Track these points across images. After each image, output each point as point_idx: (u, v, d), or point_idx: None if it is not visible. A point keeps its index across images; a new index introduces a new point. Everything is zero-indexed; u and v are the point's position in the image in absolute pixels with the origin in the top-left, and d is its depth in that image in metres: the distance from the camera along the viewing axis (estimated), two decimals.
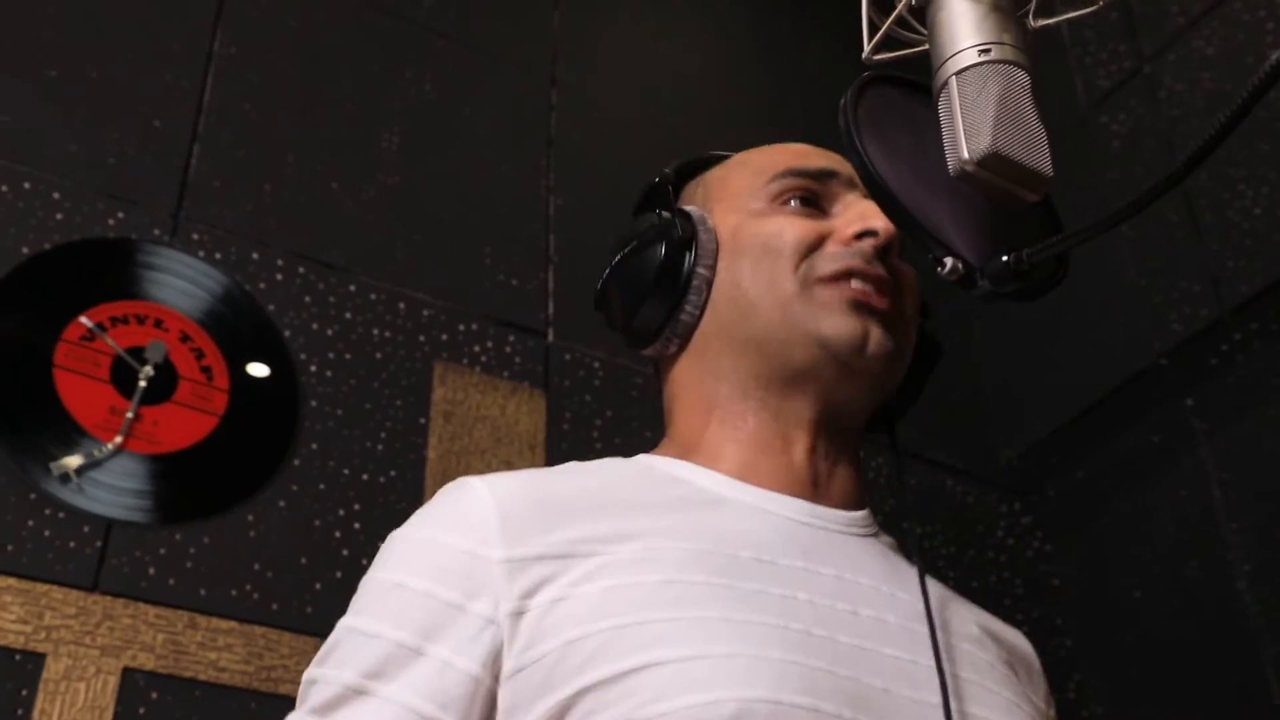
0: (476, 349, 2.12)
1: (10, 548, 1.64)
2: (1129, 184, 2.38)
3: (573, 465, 0.95)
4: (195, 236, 1.97)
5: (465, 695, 0.79)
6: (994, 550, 2.46)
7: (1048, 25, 0.85)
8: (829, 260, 0.92)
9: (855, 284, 0.91)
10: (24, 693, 1.56)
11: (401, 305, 2.09)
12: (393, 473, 1.95)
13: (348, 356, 2.01)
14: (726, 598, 0.80)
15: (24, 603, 1.60)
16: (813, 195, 0.97)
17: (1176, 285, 2.30)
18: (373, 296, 2.07)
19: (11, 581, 1.61)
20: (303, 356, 1.96)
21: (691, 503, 0.89)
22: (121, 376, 1.80)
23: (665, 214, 0.98)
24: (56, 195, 1.89)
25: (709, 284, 0.96)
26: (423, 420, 2.01)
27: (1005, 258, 0.78)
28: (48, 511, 1.68)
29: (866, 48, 0.86)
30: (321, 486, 1.88)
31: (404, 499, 1.93)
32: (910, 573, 0.93)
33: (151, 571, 1.71)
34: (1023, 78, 0.80)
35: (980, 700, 0.85)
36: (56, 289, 1.82)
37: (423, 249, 2.17)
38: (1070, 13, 0.85)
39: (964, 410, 2.59)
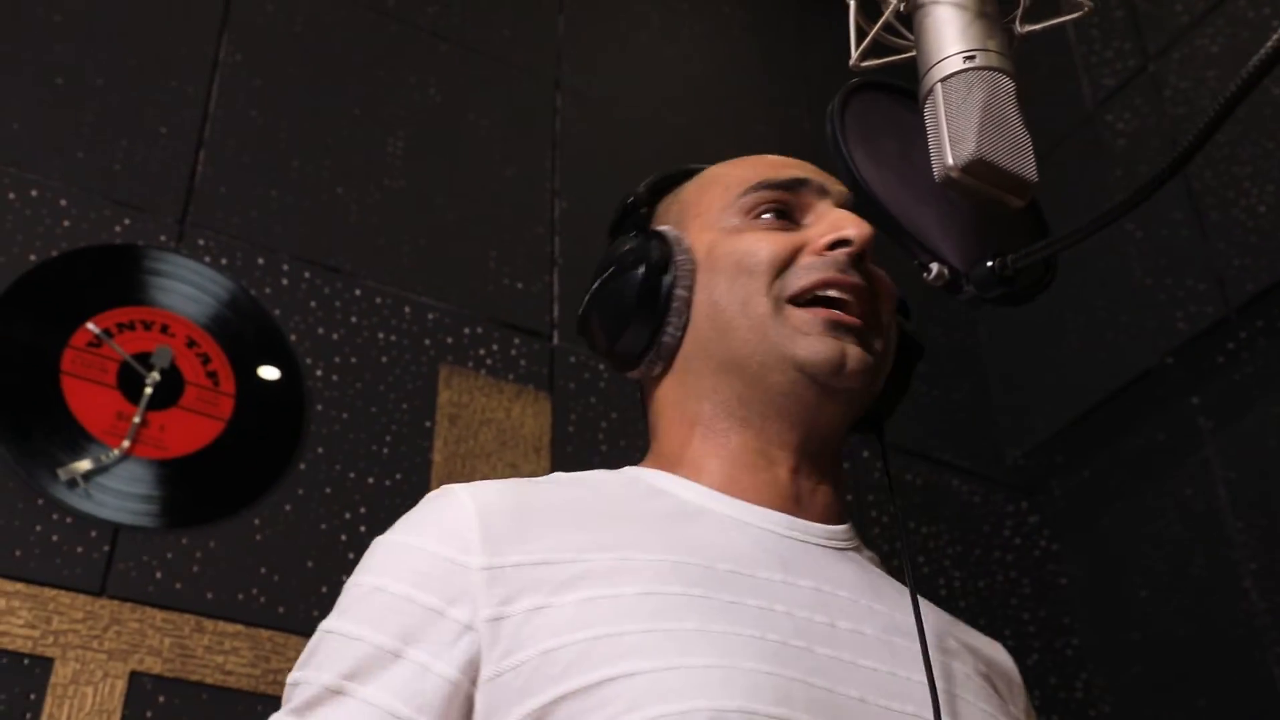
0: (482, 352, 2.13)
1: (18, 553, 1.65)
2: (1134, 182, 2.37)
3: (558, 475, 0.96)
4: (201, 242, 1.98)
5: (442, 699, 0.80)
6: (1000, 550, 2.46)
7: (1034, 31, 0.85)
8: (803, 273, 0.93)
9: (825, 309, 0.91)
10: (32, 697, 1.58)
11: (407, 309, 2.10)
12: (398, 476, 1.96)
13: (353, 360, 2.02)
14: (703, 609, 0.81)
15: (32, 607, 1.62)
16: (785, 207, 0.97)
17: (1182, 284, 2.30)
18: (378, 300, 2.08)
19: (20, 586, 1.63)
20: (308, 361, 1.98)
21: (672, 515, 0.90)
22: (128, 382, 1.82)
23: (641, 236, 0.99)
24: (64, 202, 1.90)
25: (688, 304, 0.96)
26: (428, 423, 2.02)
27: (990, 263, 0.79)
28: (55, 516, 1.69)
29: (854, 54, 0.87)
30: (327, 490, 1.89)
31: (409, 502, 1.90)
32: (891, 585, 0.94)
33: (158, 576, 1.72)
34: (1007, 84, 0.80)
35: (959, 713, 0.85)
36: (64, 296, 1.84)
37: (428, 253, 2.18)
38: (1056, 18, 0.85)
39: (970, 410, 2.59)
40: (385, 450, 1.97)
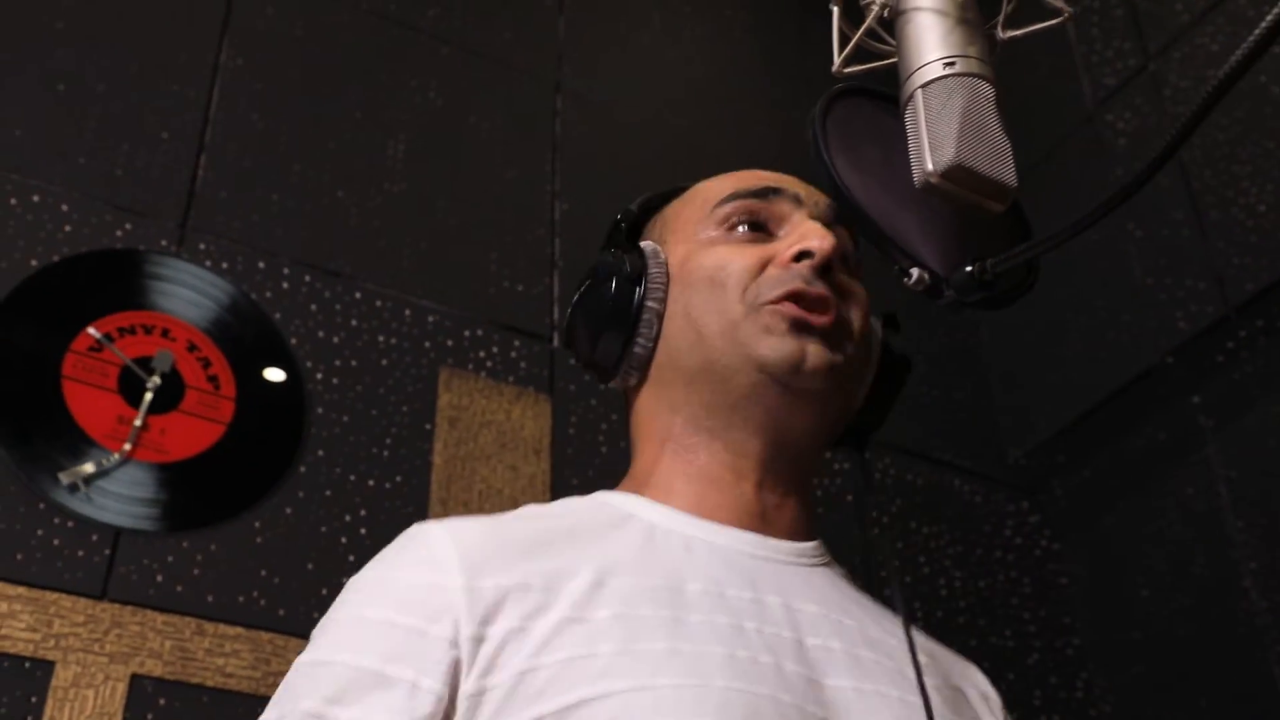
0: (482, 354, 2.13)
1: (19, 556, 1.66)
2: None
3: (530, 508, 0.98)
4: (202, 246, 1.99)
5: (433, 716, 0.80)
6: (1002, 549, 2.46)
7: (1016, 36, 0.86)
8: (771, 285, 0.94)
9: (792, 305, 0.92)
10: (33, 700, 1.59)
11: (407, 312, 2.11)
12: (399, 478, 1.97)
13: (354, 363, 2.02)
14: (674, 630, 0.83)
15: (33, 611, 1.63)
16: (759, 218, 0.99)
17: (1182, 283, 2.30)
18: (378, 303, 2.09)
19: (21, 590, 1.63)
20: (309, 364, 1.98)
21: (642, 538, 0.91)
22: (129, 386, 1.83)
23: (618, 251, 1.02)
24: (65, 207, 1.91)
25: (659, 316, 0.98)
26: (428, 426, 2.03)
27: (969, 268, 0.79)
28: (56, 520, 1.70)
29: (837, 60, 0.87)
30: (328, 493, 1.90)
31: (410, 505, 1.95)
32: (862, 600, 0.95)
33: (159, 579, 1.73)
34: (987, 90, 0.80)
35: None
36: (65, 300, 1.85)
37: (428, 255, 2.18)
38: (1037, 24, 0.86)
39: (971, 410, 2.59)
40: (385, 453, 1.98)
